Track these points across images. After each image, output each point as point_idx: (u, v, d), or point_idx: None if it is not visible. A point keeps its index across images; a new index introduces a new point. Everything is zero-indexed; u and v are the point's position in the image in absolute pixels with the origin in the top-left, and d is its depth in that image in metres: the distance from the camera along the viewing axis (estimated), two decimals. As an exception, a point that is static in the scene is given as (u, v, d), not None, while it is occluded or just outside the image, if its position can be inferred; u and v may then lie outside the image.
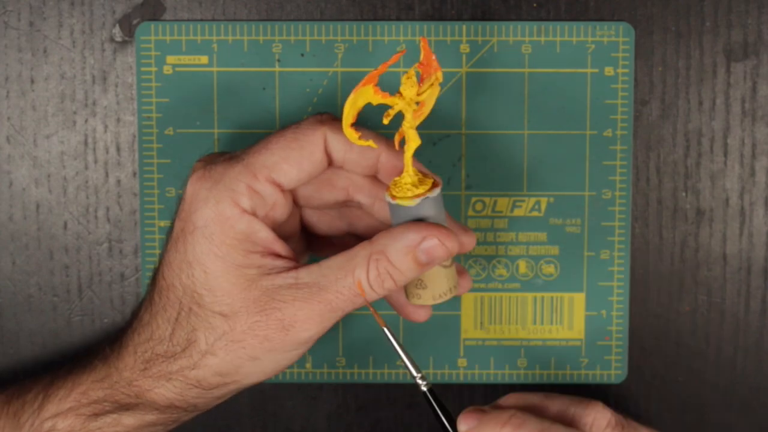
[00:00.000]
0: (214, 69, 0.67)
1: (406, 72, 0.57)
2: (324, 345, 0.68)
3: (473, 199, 0.68)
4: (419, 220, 0.57)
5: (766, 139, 0.68)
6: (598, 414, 0.59)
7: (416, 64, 0.57)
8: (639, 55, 0.67)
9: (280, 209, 0.60)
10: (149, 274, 0.67)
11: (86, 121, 0.67)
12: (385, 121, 0.57)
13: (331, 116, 0.60)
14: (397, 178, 0.58)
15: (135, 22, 0.67)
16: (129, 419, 0.60)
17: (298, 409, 0.69)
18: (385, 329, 0.59)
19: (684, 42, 0.67)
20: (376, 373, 0.69)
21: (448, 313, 0.68)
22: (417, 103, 0.58)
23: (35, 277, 0.68)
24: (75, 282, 0.68)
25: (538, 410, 0.61)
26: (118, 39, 0.67)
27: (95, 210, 0.68)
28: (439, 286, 0.59)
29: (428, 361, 0.69)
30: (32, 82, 0.67)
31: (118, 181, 0.68)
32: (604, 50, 0.67)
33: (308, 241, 0.65)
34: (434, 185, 0.58)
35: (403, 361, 0.59)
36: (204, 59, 0.67)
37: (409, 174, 0.58)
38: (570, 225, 0.68)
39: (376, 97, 0.57)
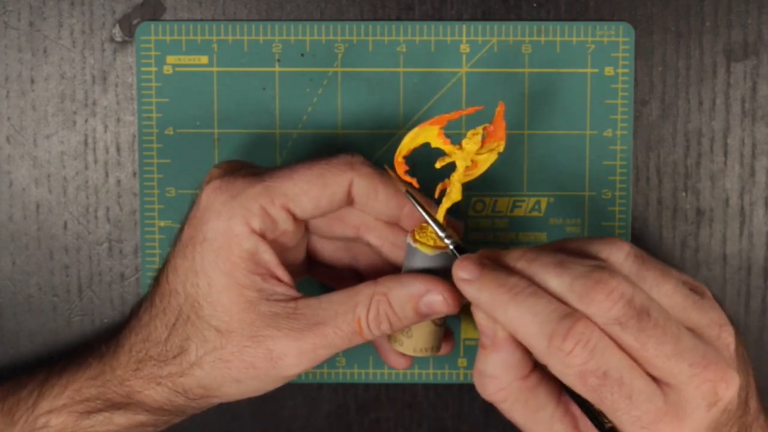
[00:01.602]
0: (214, 69, 0.67)
1: (474, 129, 0.57)
2: (324, 345, 0.68)
3: (473, 199, 0.68)
4: (429, 270, 0.58)
5: (766, 139, 0.68)
6: (614, 247, 0.54)
7: (486, 126, 0.57)
8: (639, 55, 0.67)
9: (290, 237, 0.60)
10: (149, 274, 0.67)
11: (86, 121, 0.67)
12: (438, 165, 0.57)
13: (362, 160, 0.59)
14: (425, 225, 0.58)
15: (135, 22, 0.67)
16: (120, 418, 0.60)
17: (298, 409, 0.69)
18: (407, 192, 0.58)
19: (684, 42, 0.67)
20: (376, 373, 0.69)
21: (448, 313, 0.68)
22: (471, 161, 0.58)
23: (35, 277, 0.68)
24: (75, 282, 0.68)
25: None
26: (118, 39, 0.67)
27: (95, 210, 0.68)
28: (423, 341, 0.59)
29: (428, 361, 0.68)
30: (32, 82, 0.67)
31: (118, 181, 0.68)
32: (604, 50, 0.67)
33: (309, 264, 0.64)
34: (453, 246, 0.58)
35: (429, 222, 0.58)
36: (204, 59, 0.67)
37: (439, 225, 0.58)
38: (570, 225, 0.68)
39: (438, 140, 0.57)
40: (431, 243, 0.58)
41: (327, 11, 0.67)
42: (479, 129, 0.57)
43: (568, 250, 0.55)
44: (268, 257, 0.58)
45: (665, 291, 0.54)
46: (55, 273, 0.68)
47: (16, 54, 0.67)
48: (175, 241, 0.60)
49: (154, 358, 0.60)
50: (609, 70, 0.67)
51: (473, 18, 0.67)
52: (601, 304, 0.51)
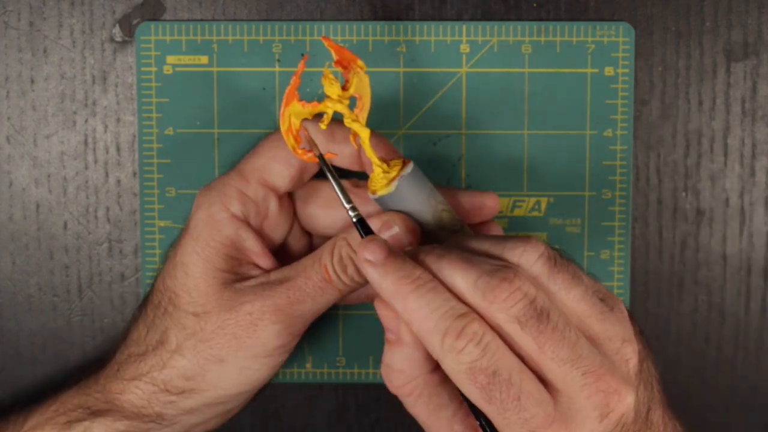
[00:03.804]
0: (214, 69, 0.67)
1: (322, 73, 0.58)
2: (324, 345, 0.68)
3: (473, 199, 0.68)
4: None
5: (766, 139, 0.68)
6: (528, 246, 0.54)
7: (333, 63, 0.59)
8: (639, 55, 0.67)
9: (277, 220, 0.60)
10: (149, 274, 0.67)
11: (86, 121, 0.67)
12: (323, 127, 0.59)
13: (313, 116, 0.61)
14: (371, 174, 0.59)
15: (135, 22, 0.67)
16: (99, 427, 0.61)
17: (298, 409, 0.69)
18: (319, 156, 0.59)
19: (684, 42, 0.67)
20: (376, 373, 0.69)
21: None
22: (353, 98, 0.59)
23: (35, 277, 0.68)
24: (75, 282, 0.68)
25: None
26: (118, 39, 0.67)
27: (95, 210, 0.68)
28: None
29: (428, 361, 0.68)
30: (32, 82, 0.67)
31: (118, 181, 0.68)
32: (604, 50, 0.67)
33: None
34: (404, 165, 0.58)
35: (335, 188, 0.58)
36: (204, 59, 0.67)
37: (376, 164, 0.58)
38: (570, 225, 0.68)
39: (306, 110, 0.59)
40: (379, 186, 0.58)
41: (327, 11, 0.67)
42: (324, 70, 0.58)
43: (482, 249, 0.55)
44: (251, 243, 0.60)
45: (573, 296, 0.53)
46: (55, 273, 0.68)
47: (16, 54, 0.67)
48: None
49: (134, 355, 0.61)
50: (609, 70, 0.67)
51: (473, 18, 0.67)
52: (503, 302, 0.51)
